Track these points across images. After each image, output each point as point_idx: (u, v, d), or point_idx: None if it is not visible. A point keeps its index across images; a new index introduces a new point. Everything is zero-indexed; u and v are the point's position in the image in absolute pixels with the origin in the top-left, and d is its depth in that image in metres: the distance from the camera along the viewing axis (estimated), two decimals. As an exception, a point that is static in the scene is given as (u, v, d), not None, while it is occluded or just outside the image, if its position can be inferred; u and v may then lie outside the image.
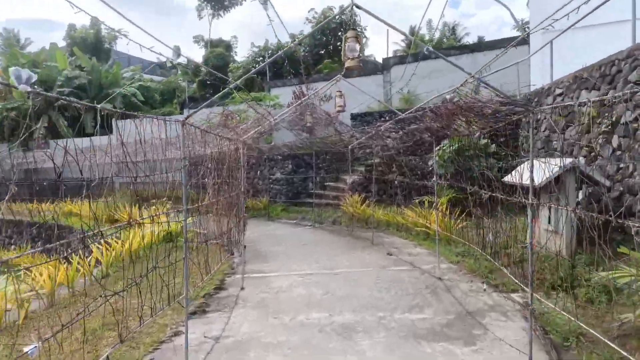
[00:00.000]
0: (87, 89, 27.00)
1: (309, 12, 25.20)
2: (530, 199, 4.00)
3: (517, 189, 5.71)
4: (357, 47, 6.43)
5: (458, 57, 15.93)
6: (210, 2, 31.40)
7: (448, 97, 4.53)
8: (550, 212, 6.73)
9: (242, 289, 6.32)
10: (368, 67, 19.29)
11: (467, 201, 9.51)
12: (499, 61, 4.39)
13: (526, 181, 5.85)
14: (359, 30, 23.88)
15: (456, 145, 10.96)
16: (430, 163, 11.40)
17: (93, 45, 31.29)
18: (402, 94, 16.28)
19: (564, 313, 4.59)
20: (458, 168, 10.39)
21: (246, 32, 54.97)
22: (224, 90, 5.67)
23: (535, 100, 11.07)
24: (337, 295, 5.93)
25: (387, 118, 13.06)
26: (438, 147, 11.46)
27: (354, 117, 16.17)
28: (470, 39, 27.53)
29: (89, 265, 7.76)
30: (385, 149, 14.73)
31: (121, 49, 34.60)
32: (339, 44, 24.53)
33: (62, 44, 31.95)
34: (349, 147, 11.88)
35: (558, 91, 9.49)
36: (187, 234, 4.05)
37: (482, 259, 7.17)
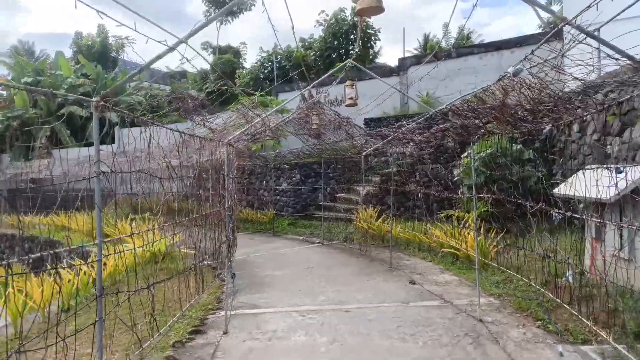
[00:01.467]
0: (91, 97, 26.12)
1: (319, 14, 24.00)
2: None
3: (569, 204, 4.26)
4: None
5: (483, 56, 14.51)
6: (218, 8, 30.48)
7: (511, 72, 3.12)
8: (621, 233, 5.24)
9: (226, 333, 4.92)
10: (382, 70, 17.94)
11: (503, 216, 8.08)
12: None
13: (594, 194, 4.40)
14: (371, 31, 22.62)
15: (488, 150, 9.51)
16: (456, 172, 9.93)
17: (99, 53, 30.58)
18: (421, 97, 14.88)
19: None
20: (491, 177, 8.97)
21: (256, 39, 54.25)
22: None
23: (579, 98, 9.57)
24: (348, 345, 4.50)
25: (404, 123, 11.70)
26: (465, 153, 10.01)
27: (367, 122, 14.81)
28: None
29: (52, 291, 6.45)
30: (403, 157, 13.33)
31: (130, 58, 33.85)
32: (350, 47, 23.31)
33: (69, 53, 31.30)
34: (363, 154, 10.51)
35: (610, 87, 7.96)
36: (101, 280, 2.69)
37: (530, 291, 5.70)
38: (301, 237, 11.94)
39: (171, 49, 3.13)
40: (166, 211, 6.32)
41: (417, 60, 15.55)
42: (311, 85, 6.98)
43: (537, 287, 5.26)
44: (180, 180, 4.50)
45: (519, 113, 3.70)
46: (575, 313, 4.28)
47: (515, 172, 9.21)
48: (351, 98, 5.42)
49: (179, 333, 4.84)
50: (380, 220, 10.32)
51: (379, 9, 3.29)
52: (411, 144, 8.56)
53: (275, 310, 5.68)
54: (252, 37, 59.16)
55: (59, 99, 24.96)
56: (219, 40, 31.81)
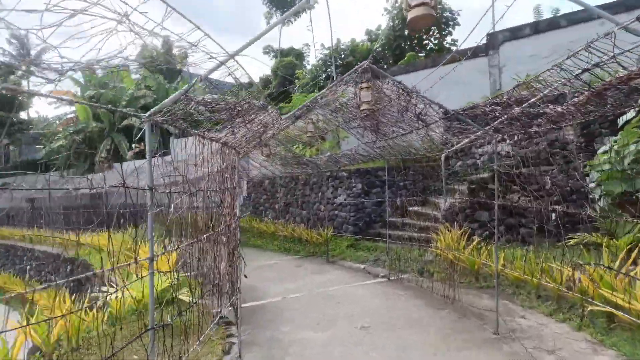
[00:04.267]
0: (151, 107, 25.50)
1: (387, 1, 21.10)
2: None
3: None
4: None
5: (605, 21, 10.77)
6: (279, 9, 28.77)
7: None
8: None
9: None
10: (464, 54, 14.67)
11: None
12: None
13: None
14: (449, 14, 19.31)
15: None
16: (592, 177, 6.56)
17: (163, 63, 30.15)
18: (519, 80, 11.45)
19: None
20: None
21: (321, 38, 52.42)
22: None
23: None
24: None
25: (497, 114, 8.35)
26: (605, 147, 6.60)
27: (444, 119, 11.71)
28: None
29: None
30: (498, 158, 10.09)
31: (193, 70, 33.34)
32: (424, 37, 20.17)
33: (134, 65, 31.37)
34: (443, 153, 7.57)
35: None
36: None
37: None
38: (362, 265, 9.11)
39: (221, 63, 2.84)
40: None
41: (513, 34, 12.12)
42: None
43: None
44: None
45: None
46: None
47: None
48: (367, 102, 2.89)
49: None
50: (472, 246, 7.23)
51: (429, 18, 2.84)
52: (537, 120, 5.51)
53: None
54: (317, 36, 57.49)
55: (121, 111, 24.56)
56: (280, 43, 30.02)
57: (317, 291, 7.26)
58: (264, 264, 10.20)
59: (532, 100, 3.44)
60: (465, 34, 44.29)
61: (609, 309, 4.53)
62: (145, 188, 2.62)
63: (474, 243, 7.45)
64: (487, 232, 8.57)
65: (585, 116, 3.26)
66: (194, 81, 2.89)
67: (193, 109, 2.98)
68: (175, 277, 3.01)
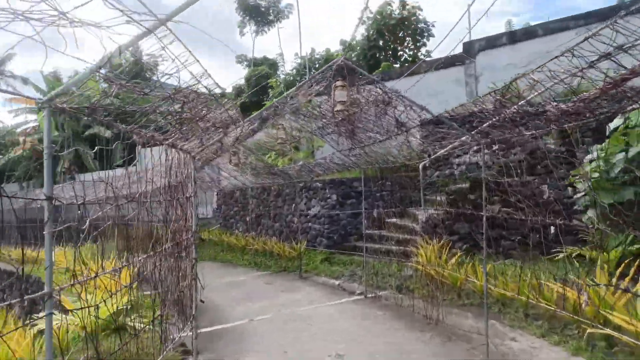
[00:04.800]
0: (119, 117, 24.45)
1: (363, 11, 20.97)
2: None
3: None
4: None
5: (582, 31, 10.71)
6: (253, 18, 28.34)
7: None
8: None
9: None
10: (437, 63, 14.49)
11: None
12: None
13: None
14: (423, 25, 19.26)
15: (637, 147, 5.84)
16: (581, 187, 6.19)
17: (132, 73, 29.19)
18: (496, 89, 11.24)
19: None
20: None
21: (294, 46, 52.41)
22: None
23: None
24: None
25: (475, 124, 7.87)
26: (590, 156, 6.29)
27: (425, 125, 11.37)
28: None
29: None
30: (475, 168, 9.80)
31: (163, 79, 32.42)
32: (399, 48, 20.04)
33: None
34: (422, 163, 7.19)
35: None
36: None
37: None
38: (337, 281, 8.55)
39: (148, 30, 2.35)
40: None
41: (489, 42, 11.96)
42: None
43: None
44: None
45: None
46: None
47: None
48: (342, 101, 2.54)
49: None
50: (454, 260, 6.79)
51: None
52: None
53: None
54: (291, 47, 57.48)
55: (85, 120, 23.47)
56: (254, 52, 29.55)
57: (287, 312, 6.64)
58: (232, 280, 9.53)
59: (531, 96, 3.00)
60: (441, 47, 44.80)
61: (609, 331, 4.11)
62: (42, 199, 2.02)
63: (456, 257, 7.03)
64: (468, 245, 8.17)
65: (595, 114, 2.84)
66: (109, 55, 2.32)
67: (119, 95, 2.40)
68: (93, 314, 2.40)
